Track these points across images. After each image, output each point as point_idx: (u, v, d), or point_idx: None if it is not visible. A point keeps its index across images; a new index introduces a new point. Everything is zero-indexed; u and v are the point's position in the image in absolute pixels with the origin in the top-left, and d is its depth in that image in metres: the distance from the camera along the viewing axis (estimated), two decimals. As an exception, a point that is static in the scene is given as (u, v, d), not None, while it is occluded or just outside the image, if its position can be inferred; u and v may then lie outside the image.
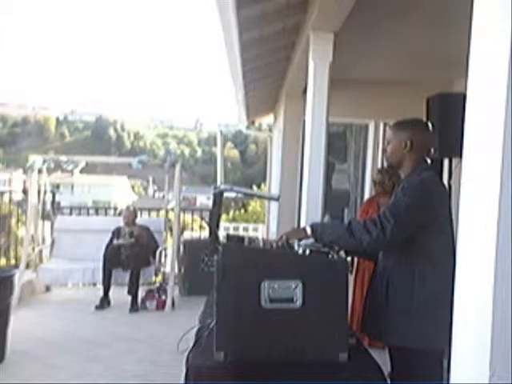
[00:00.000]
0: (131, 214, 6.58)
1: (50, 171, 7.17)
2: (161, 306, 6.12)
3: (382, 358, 2.30)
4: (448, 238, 2.27)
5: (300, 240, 2.27)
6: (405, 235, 2.19)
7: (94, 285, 6.89)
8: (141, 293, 6.18)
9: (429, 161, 2.43)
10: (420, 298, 2.21)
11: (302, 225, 3.86)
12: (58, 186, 37.89)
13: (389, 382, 2.24)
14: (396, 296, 2.26)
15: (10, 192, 9.12)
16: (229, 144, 68.48)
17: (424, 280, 2.21)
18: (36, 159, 6.74)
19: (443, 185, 2.42)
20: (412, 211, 2.19)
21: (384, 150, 2.46)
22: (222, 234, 2.67)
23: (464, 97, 1.28)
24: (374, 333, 2.42)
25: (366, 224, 2.16)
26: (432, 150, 4.08)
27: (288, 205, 6.34)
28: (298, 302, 1.99)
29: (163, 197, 8.07)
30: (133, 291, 6.07)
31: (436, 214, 2.25)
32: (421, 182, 2.25)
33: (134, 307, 6.01)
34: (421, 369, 2.24)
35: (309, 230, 2.28)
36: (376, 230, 2.12)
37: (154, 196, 61.42)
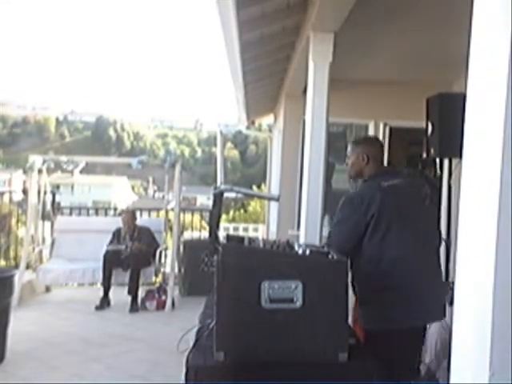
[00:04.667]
0: (130, 218, 6.57)
1: (49, 171, 7.17)
2: (161, 306, 6.12)
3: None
4: (382, 236, 2.48)
5: None
6: (346, 246, 2.48)
7: (93, 285, 6.89)
8: (141, 293, 6.19)
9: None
10: (368, 290, 2.55)
11: (303, 224, 3.89)
12: (58, 187, 37.98)
13: None
14: (357, 290, 2.62)
15: (10, 192, 9.13)
16: (229, 144, 68.43)
17: (369, 276, 2.51)
18: (36, 159, 6.74)
19: (376, 190, 2.54)
20: (342, 226, 2.56)
21: (346, 164, 2.78)
22: (221, 234, 2.67)
23: (464, 97, 1.28)
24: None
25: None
26: (433, 151, 4.11)
27: (288, 205, 6.33)
28: (298, 303, 1.99)
29: (163, 197, 8.06)
30: (133, 291, 6.08)
31: (368, 218, 2.46)
32: (346, 197, 2.61)
33: (134, 307, 6.01)
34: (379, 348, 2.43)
35: None
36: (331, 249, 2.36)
37: (153, 196, 61.41)
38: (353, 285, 2.61)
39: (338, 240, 2.53)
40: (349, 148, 2.77)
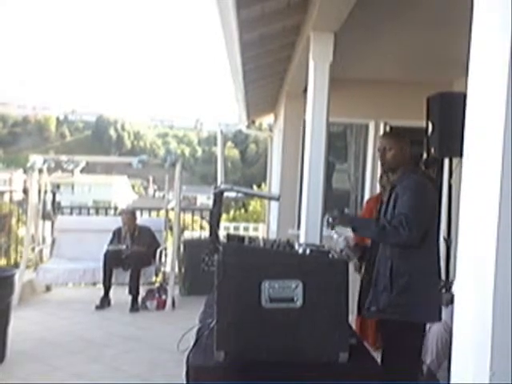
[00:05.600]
0: (130, 218, 6.56)
1: (50, 171, 7.16)
2: (161, 305, 6.12)
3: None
4: (434, 228, 2.72)
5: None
6: (423, 232, 2.57)
7: (95, 284, 6.89)
8: (141, 293, 6.19)
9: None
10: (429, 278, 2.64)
11: (303, 224, 3.88)
12: (58, 186, 37.88)
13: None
14: (396, 279, 2.62)
15: (11, 192, 9.12)
16: (229, 143, 68.38)
17: (434, 264, 2.67)
18: (36, 159, 6.73)
19: (433, 181, 2.83)
20: (424, 211, 2.59)
21: (382, 155, 2.80)
22: (222, 233, 2.67)
23: (464, 96, 1.28)
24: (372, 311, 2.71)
25: (397, 228, 2.52)
26: (433, 151, 4.16)
27: (288, 204, 6.33)
28: (299, 302, 1.99)
29: (163, 196, 8.05)
30: (133, 291, 6.08)
31: (432, 208, 2.68)
32: (420, 183, 2.65)
33: (135, 307, 6.01)
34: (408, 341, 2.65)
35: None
36: (405, 233, 2.49)
37: (154, 196, 61.38)
38: (399, 274, 2.61)
39: (419, 224, 2.54)
40: (387, 139, 2.86)
